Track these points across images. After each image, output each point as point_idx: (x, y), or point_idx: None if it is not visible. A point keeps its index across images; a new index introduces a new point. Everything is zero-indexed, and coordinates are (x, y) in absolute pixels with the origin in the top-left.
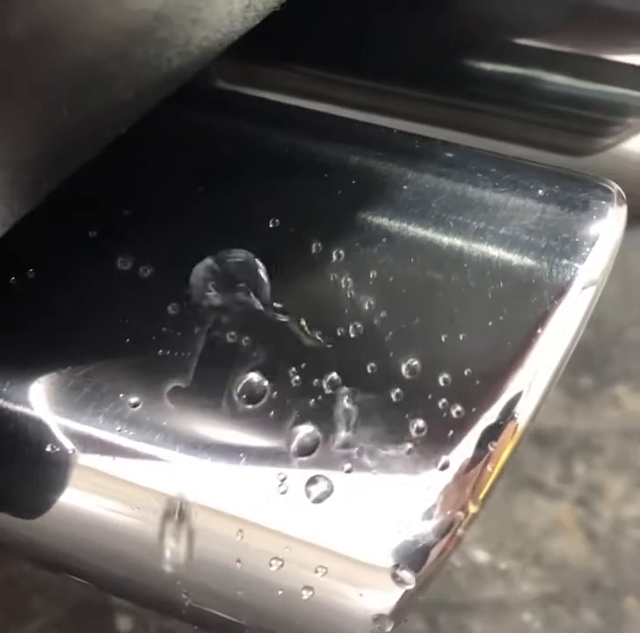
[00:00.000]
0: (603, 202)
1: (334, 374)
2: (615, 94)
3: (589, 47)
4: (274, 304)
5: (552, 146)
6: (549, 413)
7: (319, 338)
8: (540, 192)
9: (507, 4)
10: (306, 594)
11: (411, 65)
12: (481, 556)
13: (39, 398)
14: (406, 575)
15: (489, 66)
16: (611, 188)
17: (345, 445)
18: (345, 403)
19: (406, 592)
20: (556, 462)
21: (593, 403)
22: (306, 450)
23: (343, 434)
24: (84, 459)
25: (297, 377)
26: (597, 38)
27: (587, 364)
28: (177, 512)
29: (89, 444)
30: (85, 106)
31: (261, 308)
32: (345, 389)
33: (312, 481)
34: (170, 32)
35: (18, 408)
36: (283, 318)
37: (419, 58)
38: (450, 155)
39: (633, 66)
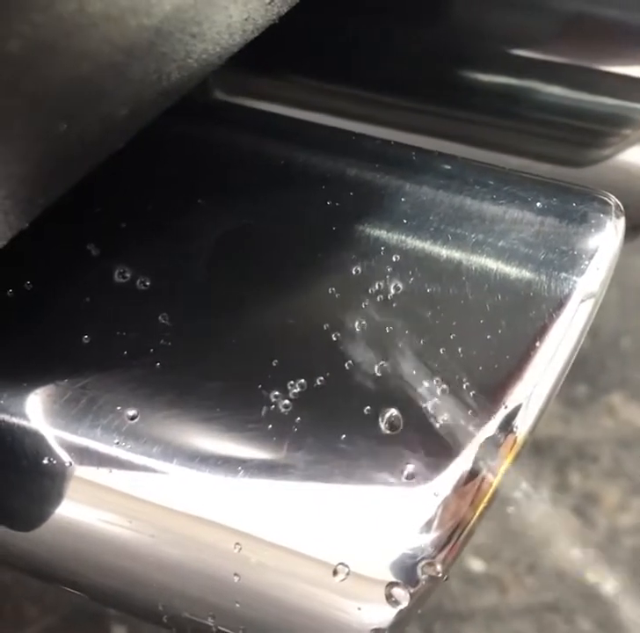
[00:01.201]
0: (601, 215)
1: (333, 383)
2: (613, 105)
3: (586, 58)
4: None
5: (549, 157)
6: (544, 422)
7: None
8: (538, 204)
9: (505, 15)
10: (304, 607)
11: (408, 76)
12: (476, 564)
13: (36, 410)
14: (403, 590)
15: (486, 77)
16: (609, 201)
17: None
18: (345, 415)
19: (404, 606)
20: (551, 471)
21: (589, 412)
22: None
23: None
24: (81, 471)
25: (293, 393)
26: (594, 49)
27: (583, 372)
28: (173, 525)
29: (86, 456)
30: (83, 122)
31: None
32: (343, 400)
33: (311, 495)
34: (169, 46)
35: (15, 420)
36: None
37: (416, 69)
38: (448, 167)
39: (630, 77)
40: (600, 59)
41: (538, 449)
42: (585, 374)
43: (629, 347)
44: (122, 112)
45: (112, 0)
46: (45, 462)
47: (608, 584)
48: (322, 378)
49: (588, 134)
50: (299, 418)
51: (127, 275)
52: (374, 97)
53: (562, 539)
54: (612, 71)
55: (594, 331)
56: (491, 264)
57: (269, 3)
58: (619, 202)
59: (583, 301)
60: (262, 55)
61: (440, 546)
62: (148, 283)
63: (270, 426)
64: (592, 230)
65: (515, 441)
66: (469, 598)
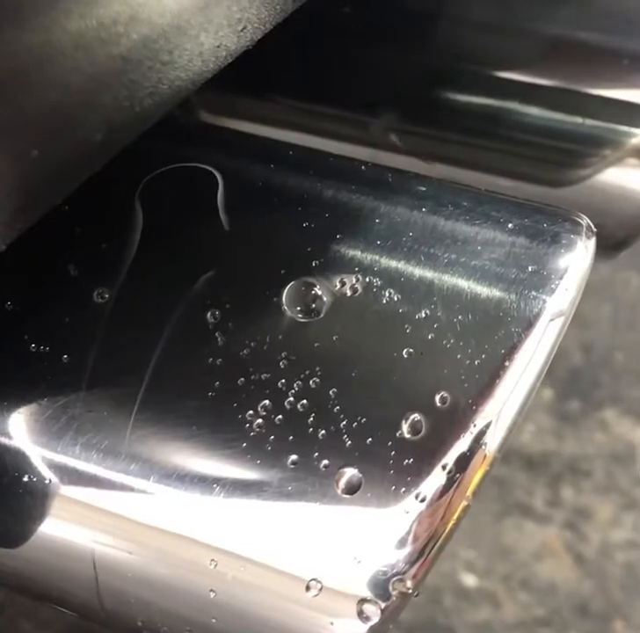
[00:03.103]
0: (572, 235)
1: (304, 402)
2: (592, 126)
3: (566, 80)
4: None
5: (529, 177)
6: (537, 437)
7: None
8: (510, 225)
9: (486, 38)
10: (279, 622)
11: (391, 97)
12: (469, 579)
13: (17, 428)
14: (374, 606)
15: (467, 98)
16: (581, 221)
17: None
18: (318, 434)
19: (375, 622)
20: (544, 486)
21: (582, 427)
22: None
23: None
24: (61, 489)
25: (267, 412)
26: (574, 71)
27: (576, 388)
28: (151, 541)
29: (65, 474)
30: (55, 148)
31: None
32: (315, 420)
33: (285, 512)
34: (139, 74)
35: None
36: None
37: (399, 90)
38: (423, 188)
39: (609, 99)
40: (580, 81)
41: (531, 464)
42: (579, 389)
43: (622, 363)
44: (96, 138)
45: (79, 30)
46: (25, 479)
47: (601, 599)
48: (295, 398)
49: (568, 154)
50: (273, 437)
51: (106, 296)
52: (357, 117)
53: (555, 554)
54: (591, 93)
55: (587, 347)
56: (462, 283)
57: (241, 31)
58: (590, 222)
59: (552, 319)
60: (246, 76)
61: (411, 562)
62: (127, 304)
63: (244, 445)
64: (563, 250)
65: (485, 458)
66: (463, 613)
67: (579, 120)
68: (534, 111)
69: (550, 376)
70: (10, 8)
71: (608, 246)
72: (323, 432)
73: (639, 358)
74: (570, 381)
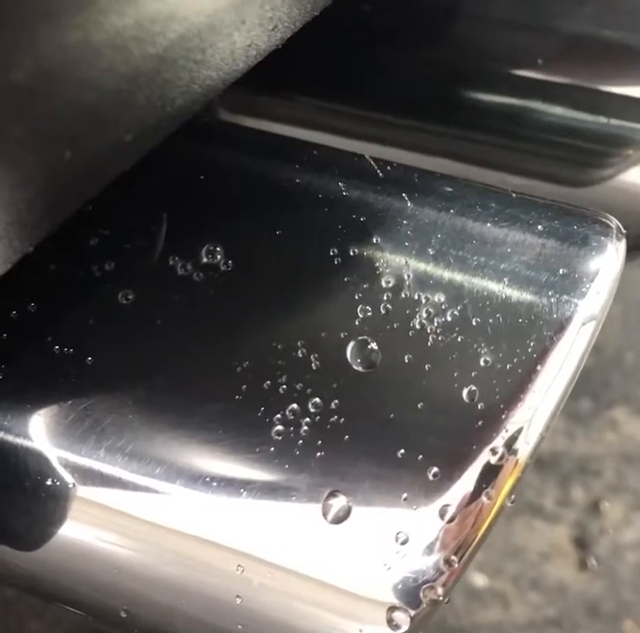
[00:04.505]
0: (602, 237)
1: (336, 404)
2: (614, 126)
3: (588, 79)
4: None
5: (551, 177)
6: (548, 437)
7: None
8: (539, 227)
9: (507, 36)
10: (307, 629)
11: (411, 96)
12: (479, 579)
13: (39, 432)
14: (404, 614)
15: (489, 97)
16: (610, 223)
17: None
18: (347, 439)
19: (405, 630)
20: (554, 485)
21: (592, 427)
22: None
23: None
24: (84, 492)
25: (295, 416)
26: (596, 69)
27: (586, 388)
28: (176, 546)
29: (88, 477)
30: (88, 149)
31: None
32: (345, 425)
33: (313, 518)
34: (173, 73)
35: (19, 441)
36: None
37: (419, 89)
38: (450, 189)
39: (632, 97)
40: (601, 79)
41: (542, 464)
42: (589, 389)
43: (633, 363)
44: (127, 139)
45: (116, 30)
46: (48, 482)
47: (611, 599)
48: (325, 402)
49: (590, 154)
50: (301, 441)
51: (130, 297)
52: (377, 116)
53: (565, 554)
54: (613, 91)
55: (598, 347)
56: (493, 286)
57: (272, 30)
58: (620, 224)
59: (584, 324)
60: (266, 75)
61: (441, 569)
62: (151, 305)
63: (272, 449)
64: (594, 253)
65: (517, 464)
66: (473, 613)
67: (602, 119)
68: (556, 110)
69: None
70: (46, 6)
71: (631, 247)
72: (350, 437)
73: None
74: (581, 381)
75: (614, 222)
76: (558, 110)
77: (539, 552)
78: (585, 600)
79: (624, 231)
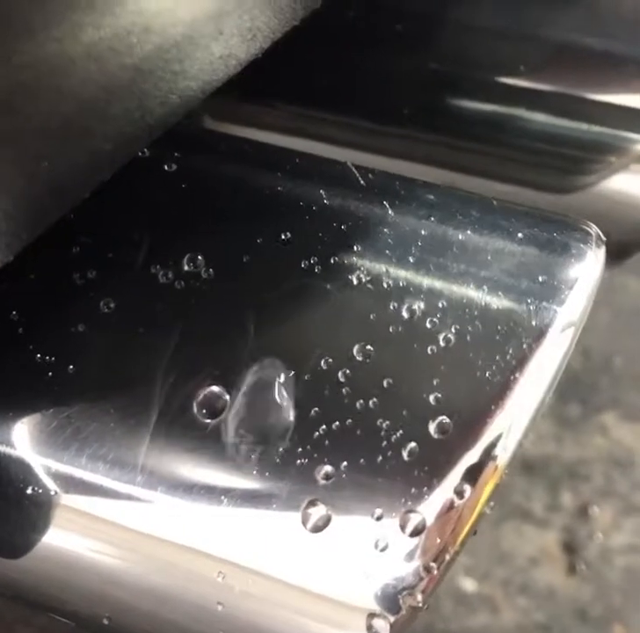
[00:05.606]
0: (582, 245)
1: (317, 409)
2: (597, 133)
3: (571, 87)
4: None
5: (534, 184)
6: (536, 442)
7: (298, 384)
8: (519, 234)
9: (491, 44)
10: None
11: (395, 103)
12: (468, 584)
13: (21, 439)
14: (383, 621)
15: (473, 104)
16: (590, 230)
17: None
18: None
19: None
20: (543, 490)
21: (581, 432)
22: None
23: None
24: (66, 500)
25: (282, 432)
26: (579, 77)
27: (575, 392)
28: (157, 553)
29: (71, 485)
30: (65, 159)
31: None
32: (326, 429)
33: (293, 525)
34: (151, 84)
35: (1, 449)
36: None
37: (404, 96)
38: (431, 196)
39: (614, 105)
40: (584, 87)
41: (530, 468)
42: (578, 393)
43: (621, 367)
44: (106, 148)
45: (92, 41)
46: (30, 490)
47: (600, 604)
48: (304, 410)
49: (573, 160)
50: (281, 449)
51: (112, 305)
52: (361, 124)
53: (554, 559)
54: (596, 99)
55: (586, 352)
56: (472, 293)
57: (251, 40)
58: (600, 232)
59: (563, 330)
60: (251, 83)
61: (421, 576)
62: (133, 314)
63: (252, 457)
64: (573, 260)
65: (496, 470)
66: (461, 618)
67: (585, 126)
68: (539, 117)
69: None
70: (22, 20)
71: (613, 254)
72: (329, 446)
73: (638, 362)
74: (570, 386)
75: (593, 229)
76: (541, 117)
77: (528, 557)
78: (574, 605)
79: (604, 239)
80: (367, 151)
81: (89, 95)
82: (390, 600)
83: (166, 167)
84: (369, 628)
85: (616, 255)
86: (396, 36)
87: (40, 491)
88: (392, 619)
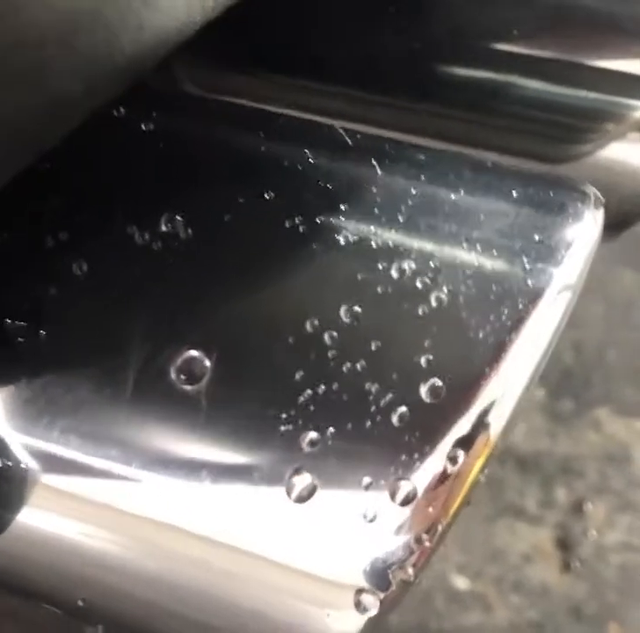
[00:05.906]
0: (579, 205)
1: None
2: (593, 100)
3: (567, 52)
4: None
5: (529, 153)
6: (529, 437)
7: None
8: (514, 194)
9: (483, 9)
10: (273, 615)
11: (383, 71)
12: (461, 582)
13: None
14: (373, 597)
15: (464, 71)
16: (588, 191)
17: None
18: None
19: (374, 613)
20: (536, 487)
21: (574, 427)
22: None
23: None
24: (38, 475)
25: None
26: (575, 42)
27: (568, 387)
28: (136, 531)
29: (43, 459)
30: (29, 101)
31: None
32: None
33: (278, 502)
34: (119, 14)
35: None
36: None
37: (391, 64)
38: (422, 157)
39: (612, 71)
40: (580, 53)
41: (524, 464)
42: (571, 388)
43: (615, 362)
44: (72, 89)
45: None
46: (0, 464)
47: (595, 601)
48: (289, 376)
49: (568, 129)
50: (265, 415)
51: (85, 268)
52: (348, 93)
53: (547, 556)
54: (592, 65)
55: (579, 346)
56: (465, 254)
57: None
58: (598, 193)
59: (560, 292)
60: (234, 52)
61: (412, 549)
62: (107, 276)
63: (238, 431)
64: (571, 220)
65: (488, 440)
66: (454, 616)
67: (582, 93)
68: (533, 84)
69: (542, 375)
70: None
71: (611, 225)
72: (315, 413)
73: (632, 357)
74: (563, 381)
75: (591, 190)
76: (536, 84)
77: (521, 554)
78: (569, 603)
79: (603, 200)
80: (354, 121)
81: (49, 21)
82: (380, 574)
83: (143, 127)
84: (357, 604)
85: (614, 227)
86: (384, 1)
87: (11, 464)
88: (382, 595)
